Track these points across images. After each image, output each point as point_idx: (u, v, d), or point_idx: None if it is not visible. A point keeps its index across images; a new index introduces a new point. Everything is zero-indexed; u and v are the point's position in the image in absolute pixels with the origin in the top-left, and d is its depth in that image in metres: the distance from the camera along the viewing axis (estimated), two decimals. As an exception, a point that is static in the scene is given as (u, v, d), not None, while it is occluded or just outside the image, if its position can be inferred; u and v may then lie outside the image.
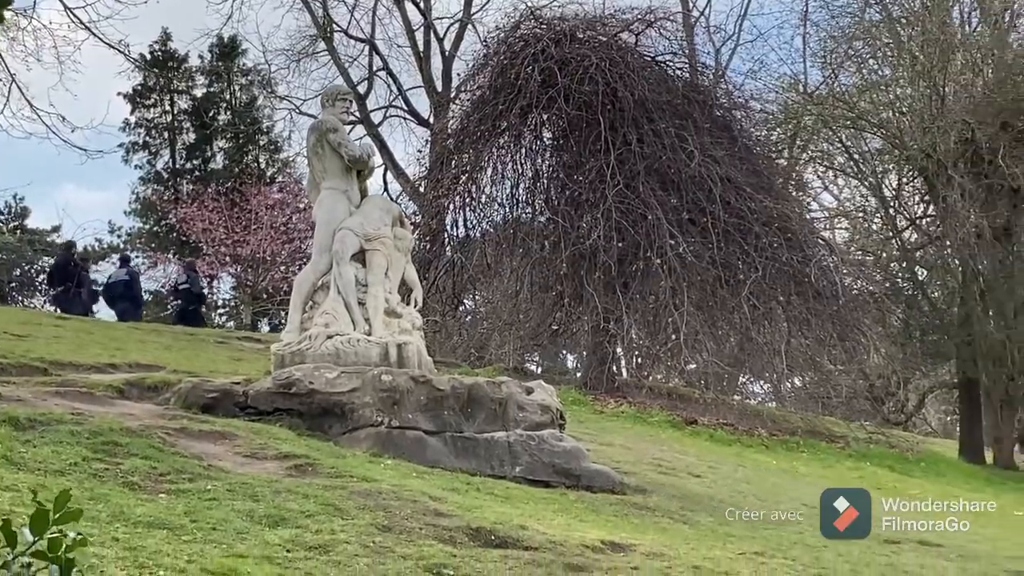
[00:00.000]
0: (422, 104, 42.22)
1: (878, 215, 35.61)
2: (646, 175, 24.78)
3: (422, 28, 41.30)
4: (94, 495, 7.23)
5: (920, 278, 34.89)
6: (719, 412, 24.89)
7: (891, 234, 34.73)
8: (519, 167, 27.34)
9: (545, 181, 27.28)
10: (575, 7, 29.04)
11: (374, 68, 42.46)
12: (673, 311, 24.10)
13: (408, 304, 13.22)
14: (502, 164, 27.37)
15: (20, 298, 42.62)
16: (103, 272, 34.50)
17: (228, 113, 54.96)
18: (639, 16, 27.95)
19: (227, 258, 41.55)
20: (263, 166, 53.29)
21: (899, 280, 34.60)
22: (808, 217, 30.46)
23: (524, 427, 12.06)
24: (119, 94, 52.75)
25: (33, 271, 45.11)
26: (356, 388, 11.42)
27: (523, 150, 27.36)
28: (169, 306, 41.59)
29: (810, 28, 37.99)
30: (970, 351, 31.15)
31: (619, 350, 27.75)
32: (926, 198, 34.06)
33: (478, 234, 27.88)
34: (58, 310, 26.15)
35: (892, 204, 35.01)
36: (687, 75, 28.41)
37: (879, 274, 32.46)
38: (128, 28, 66.82)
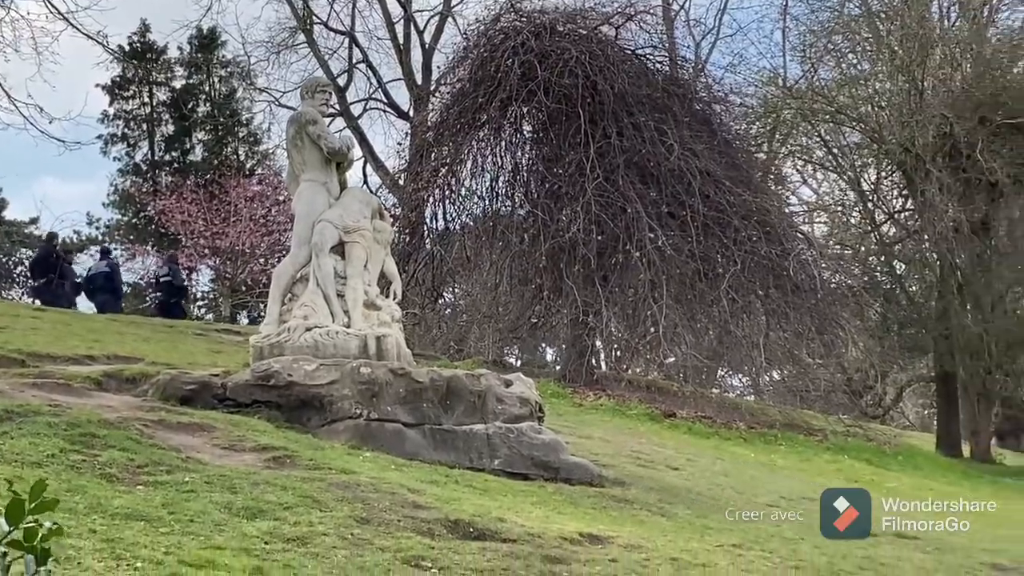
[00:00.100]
0: (402, 97, 42.25)
1: (856, 209, 35.75)
2: (626, 168, 24.79)
3: (402, 20, 41.27)
4: (71, 487, 7.21)
5: (898, 272, 35.04)
6: (698, 405, 24.96)
7: (869, 228, 34.87)
8: (499, 160, 27.34)
9: (525, 174, 27.26)
10: (555, 0, 29.03)
11: (354, 60, 42.46)
12: (652, 304, 24.12)
13: (387, 297, 13.22)
14: (482, 157, 27.35)
15: (-2, 289, 42.46)
16: (82, 264, 34.32)
17: (207, 105, 54.78)
18: (619, 9, 27.96)
19: (206, 250, 41.39)
20: (242, 158, 53.13)
21: (877, 274, 34.73)
22: (787, 211, 30.52)
23: (503, 420, 12.06)
24: (97, 85, 52.66)
25: (11, 263, 44.92)
26: (335, 380, 11.41)
27: (503, 143, 27.35)
28: (148, 298, 41.49)
29: (790, 22, 38.18)
30: (947, 345, 31.31)
31: (598, 343, 27.82)
32: (904, 192, 34.20)
33: (458, 227, 27.84)
34: (40, 302, 25.98)
35: (870, 198, 35.14)
36: (667, 69, 28.43)
37: (857, 268, 32.59)
38: (106, 19, 66.46)
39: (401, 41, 41.10)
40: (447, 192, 27.52)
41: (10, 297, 40.55)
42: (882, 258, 34.87)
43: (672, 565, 8.07)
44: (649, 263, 24.19)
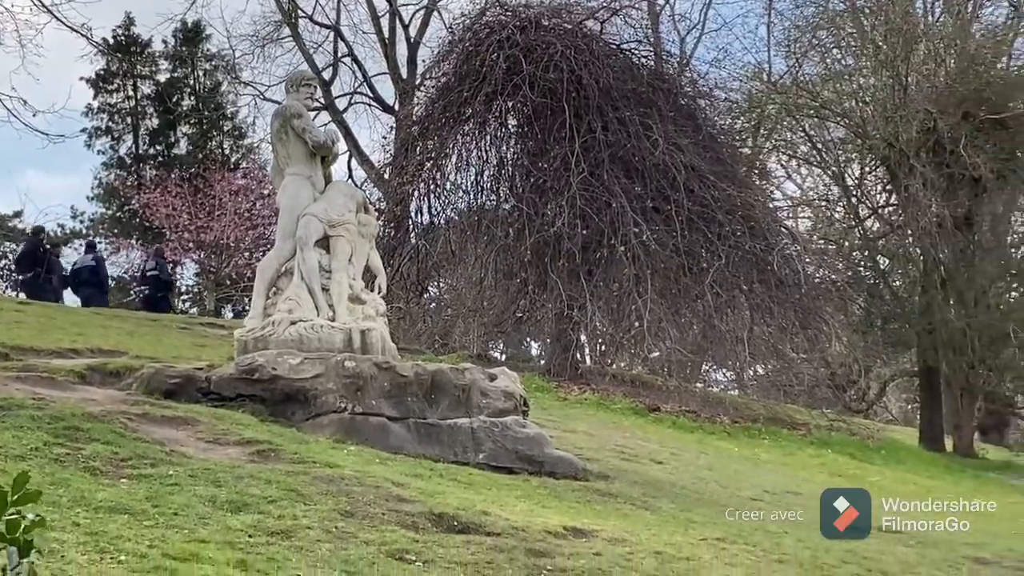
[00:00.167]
0: (387, 91, 42.21)
1: (840, 204, 35.81)
2: (610, 163, 24.81)
3: (387, 14, 41.20)
4: (55, 480, 7.21)
5: (882, 267, 35.12)
6: (682, 399, 25.00)
7: (853, 223, 34.93)
8: (484, 154, 27.33)
9: (510, 168, 27.26)
10: (540, -6, 29.00)
11: (339, 54, 42.42)
12: (636, 299, 24.16)
13: (372, 290, 13.22)
14: (467, 151, 27.34)
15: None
16: (67, 258, 34.19)
17: (192, 99, 54.63)
18: (604, 4, 27.97)
19: (191, 244, 41.28)
20: (227, 152, 53.04)
21: (861, 269, 34.80)
22: (771, 206, 30.57)
23: (487, 414, 12.07)
24: (82, 79, 52.45)
25: (-5, 256, 44.77)
26: (319, 374, 11.41)
27: (488, 137, 27.34)
28: (132, 292, 41.37)
29: (774, 17, 38.18)
30: (931, 339, 31.39)
31: (583, 337, 27.84)
32: (888, 187, 34.27)
33: (442, 221, 27.85)
34: (27, 296, 25.88)
35: (854, 193, 35.21)
36: (652, 63, 28.45)
37: (841, 263, 32.67)
38: (91, 12, 66.42)
39: (386, 35, 41.05)
40: (432, 186, 27.52)
41: (-6, 291, 40.37)
42: (866, 253, 34.94)
43: (656, 559, 8.09)
44: (634, 257, 24.22)
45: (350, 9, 42.73)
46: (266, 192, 39.78)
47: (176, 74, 54.82)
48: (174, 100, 53.19)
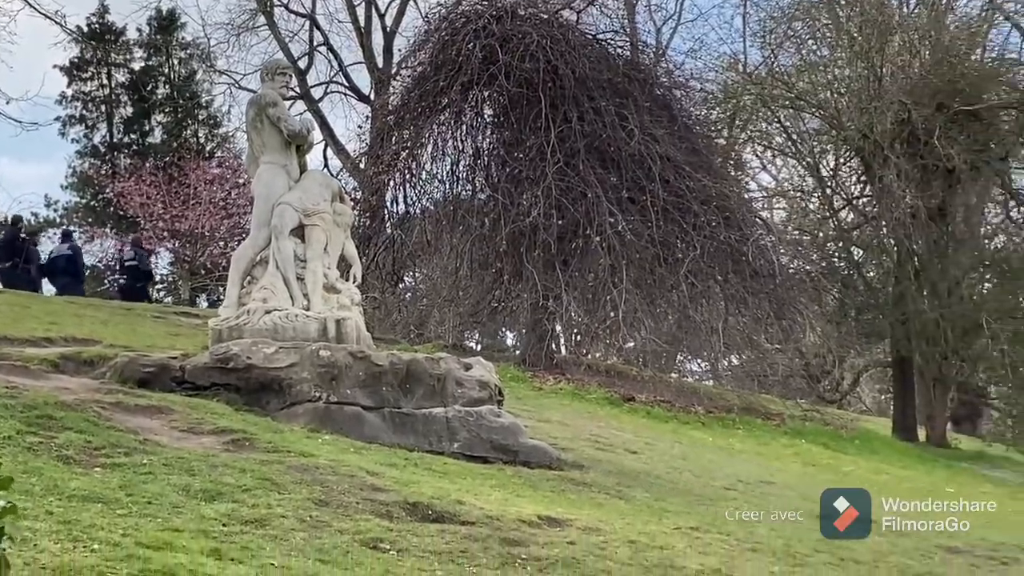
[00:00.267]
0: (363, 80, 42.10)
1: (815, 195, 35.90)
2: (586, 153, 24.82)
3: (363, 3, 41.06)
4: (28, 468, 7.19)
5: (856, 258, 35.20)
6: (656, 389, 25.04)
7: (828, 214, 35.03)
8: (459, 144, 27.31)
9: (485, 158, 27.25)
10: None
11: (315, 43, 42.26)
12: (612, 289, 24.19)
13: (347, 280, 13.21)
14: (442, 141, 27.31)
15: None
16: (42, 247, 33.99)
17: (167, 87, 54.33)
18: (581, -6, 28.00)
19: (165, 233, 41.08)
20: (202, 141, 52.76)
21: (835, 259, 34.89)
22: (746, 196, 30.68)
23: (462, 403, 12.09)
24: (55, 66, 52.13)
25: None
26: (294, 363, 11.41)
27: (464, 127, 27.32)
28: (107, 281, 41.23)
29: (750, 8, 38.28)
30: (904, 330, 31.49)
31: (558, 327, 27.86)
32: (863, 178, 34.35)
33: (418, 211, 27.82)
34: (4, 285, 25.70)
35: (829, 184, 35.29)
36: (628, 54, 28.46)
37: (816, 253, 32.77)
38: (64, -1, 65.89)
39: (362, 24, 40.92)
40: (408, 176, 27.49)
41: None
42: (840, 244, 35.03)
43: (630, 547, 8.13)
44: (609, 248, 24.24)
45: (326, -2, 42.60)
46: (241, 181, 39.61)
47: (151, 62, 54.51)
48: (149, 89, 52.90)
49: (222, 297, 15.97)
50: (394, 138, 27.48)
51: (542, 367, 24.96)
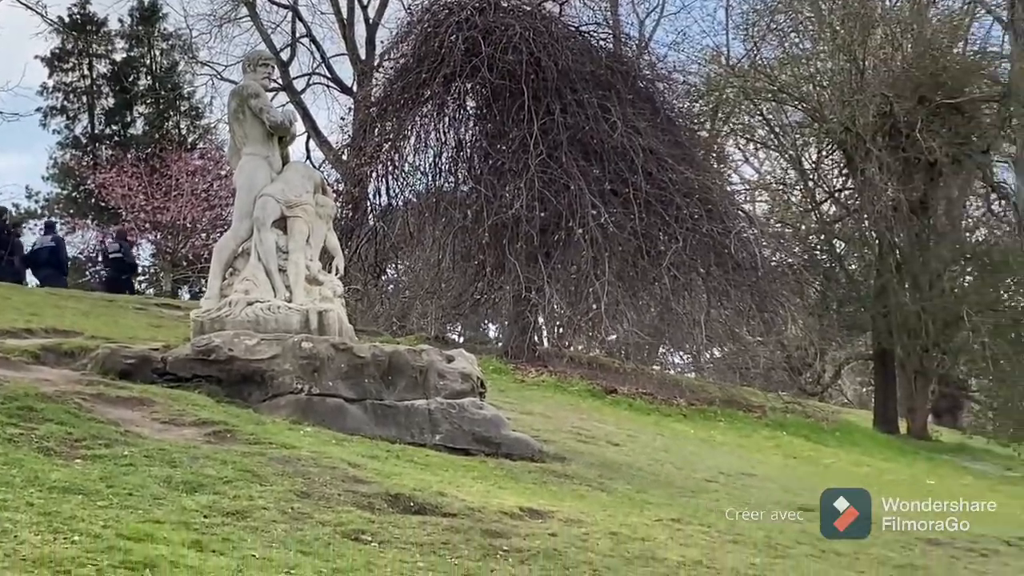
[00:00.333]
0: (345, 72, 42.08)
1: (798, 188, 36.01)
2: (569, 145, 24.81)
3: (346, -5, 41.04)
4: (8, 460, 7.17)
5: (838, 250, 35.33)
6: (639, 382, 25.10)
7: (810, 206, 35.13)
8: (442, 136, 27.27)
9: (468, 150, 27.23)
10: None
11: (297, 35, 42.26)
12: (594, 281, 24.19)
13: (329, 272, 13.17)
14: (425, 133, 27.26)
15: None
16: (25, 239, 33.88)
17: (148, 78, 54.14)
18: (564, -15, 27.96)
19: (147, 224, 41.00)
20: (184, 132, 52.62)
21: (817, 252, 34.98)
22: (729, 189, 30.71)
23: (445, 395, 12.08)
24: (36, 57, 51.97)
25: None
26: (276, 355, 11.39)
27: (446, 119, 27.28)
28: (88, 272, 41.09)
29: (733, 1, 38.38)
30: (886, 323, 31.61)
31: (540, 320, 27.83)
32: (845, 171, 34.48)
33: (400, 203, 27.80)
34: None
35: (811, 177, 35.40)
36: (611, 46, 28.47)
37: (798, 246, 32.82)
38: (46, -11, 65.56)
39: (345, 15, 40.89)
40: (390, 168, 27.44)
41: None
42: (822, 236, 35.14)
43: (611, 539, 8.14)
44: (591, 240, 24.24)
45: (308, -11, 42.45)
46: (223, 172, 39.53)
47: (132, 53, 54.31)
48: (130, 80, 52.74)
49: (204, 289, 15.95)
50: (376, 130, 27.43)
51: (524, 359, 24.98)
